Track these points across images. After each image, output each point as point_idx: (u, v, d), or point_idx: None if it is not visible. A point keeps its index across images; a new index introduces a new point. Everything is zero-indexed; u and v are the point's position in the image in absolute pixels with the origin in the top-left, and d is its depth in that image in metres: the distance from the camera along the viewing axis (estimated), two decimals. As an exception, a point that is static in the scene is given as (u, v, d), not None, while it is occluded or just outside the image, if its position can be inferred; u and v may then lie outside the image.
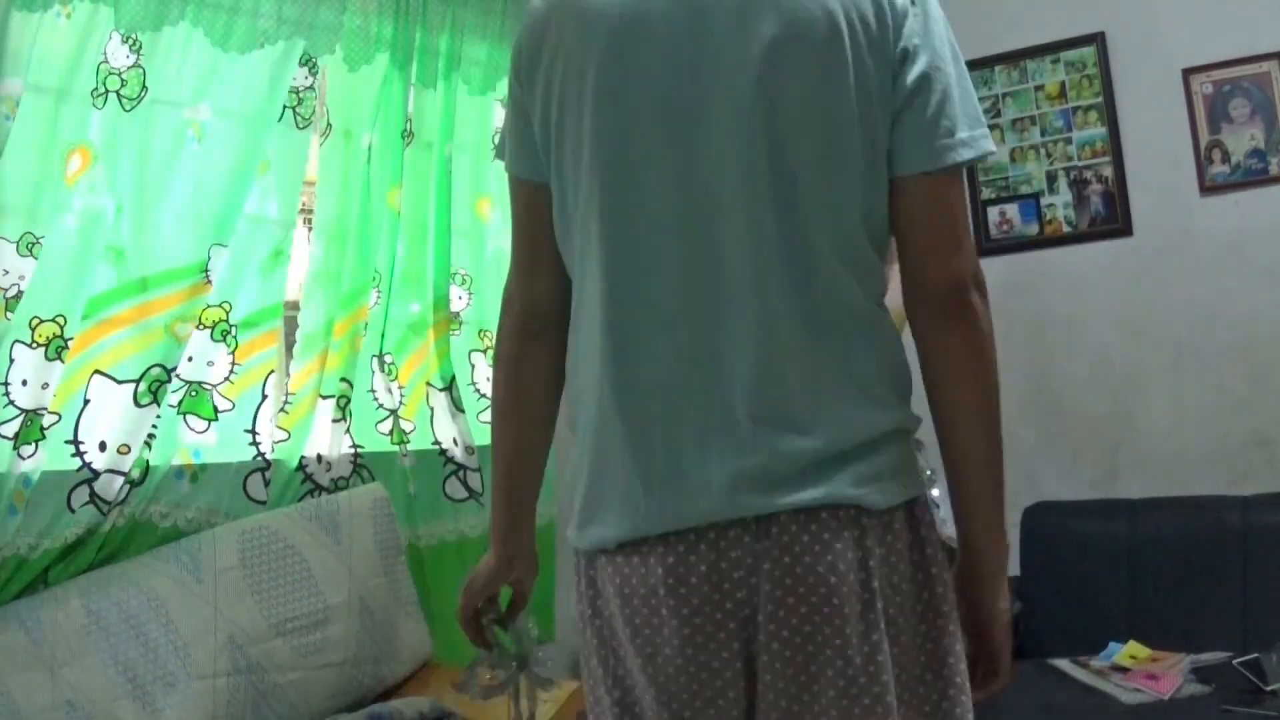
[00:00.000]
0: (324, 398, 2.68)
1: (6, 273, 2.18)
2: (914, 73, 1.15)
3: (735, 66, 1.13)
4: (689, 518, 1.13)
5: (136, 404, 2.34)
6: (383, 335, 2.82)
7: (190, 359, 2.47)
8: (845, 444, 1.12)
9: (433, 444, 2.90)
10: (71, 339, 2.25)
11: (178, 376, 2.44)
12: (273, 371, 2.63)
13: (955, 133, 1.15)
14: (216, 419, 2.51)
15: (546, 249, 1.28)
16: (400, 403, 2.84)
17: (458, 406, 2.92)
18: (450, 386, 2.91)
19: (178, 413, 2.46)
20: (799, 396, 1.13)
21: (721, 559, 1.11)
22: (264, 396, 2.60)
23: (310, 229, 2.77)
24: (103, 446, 2.30)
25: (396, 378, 2.85)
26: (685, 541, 1.12)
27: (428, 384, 2.92)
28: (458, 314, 3.00)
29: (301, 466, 2.64)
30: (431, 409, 2.92)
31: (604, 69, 1.17)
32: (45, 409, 2.22)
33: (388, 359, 2.84)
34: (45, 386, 2.21)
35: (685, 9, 1.15)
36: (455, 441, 2.93)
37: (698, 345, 1.14)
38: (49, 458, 2.23)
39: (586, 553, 1.22)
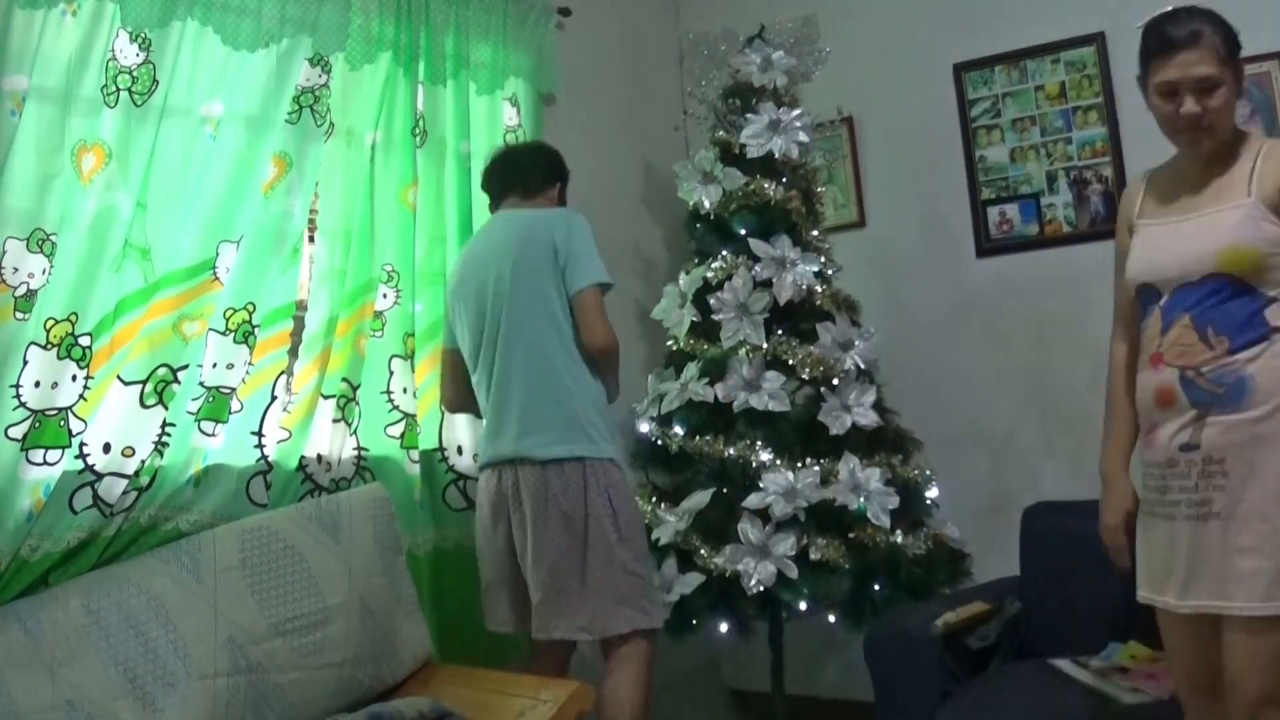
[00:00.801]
0: (325, 397, 2.67)
1: (16, 270, 2.17)
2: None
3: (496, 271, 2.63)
4: (499, 457, 2.63)
5: (142, 405, 2.34)
6: (405, 336, 2.81)
7: (215, 365, 2.46)
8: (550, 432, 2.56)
9: (435, 448, 2.89)
10: (84, 336, 2.24)
11: (201, 384, 2.43)
12: (282, 373, 2.62)
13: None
14: (227, 421, 2.51)
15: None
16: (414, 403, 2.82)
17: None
18: None
19: (195, 419, 2.44)
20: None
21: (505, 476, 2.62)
22: (273, 398, 2.59)
23: (314, 229, 2.76)
24: (106, 448, 2.29)
25: (412, 378, 2.84)
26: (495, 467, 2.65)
27: None
28: None
29: (301, 466, 2.64)
30: (444, 412, 2.90)
31: (456, 284, 2.75)
32: (70, 410, 2.21)
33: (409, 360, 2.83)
34: (55, 386, 2.20)
35: (478, 258, 2.68)
36: (460, 450, 2.91)
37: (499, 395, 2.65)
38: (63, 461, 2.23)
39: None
